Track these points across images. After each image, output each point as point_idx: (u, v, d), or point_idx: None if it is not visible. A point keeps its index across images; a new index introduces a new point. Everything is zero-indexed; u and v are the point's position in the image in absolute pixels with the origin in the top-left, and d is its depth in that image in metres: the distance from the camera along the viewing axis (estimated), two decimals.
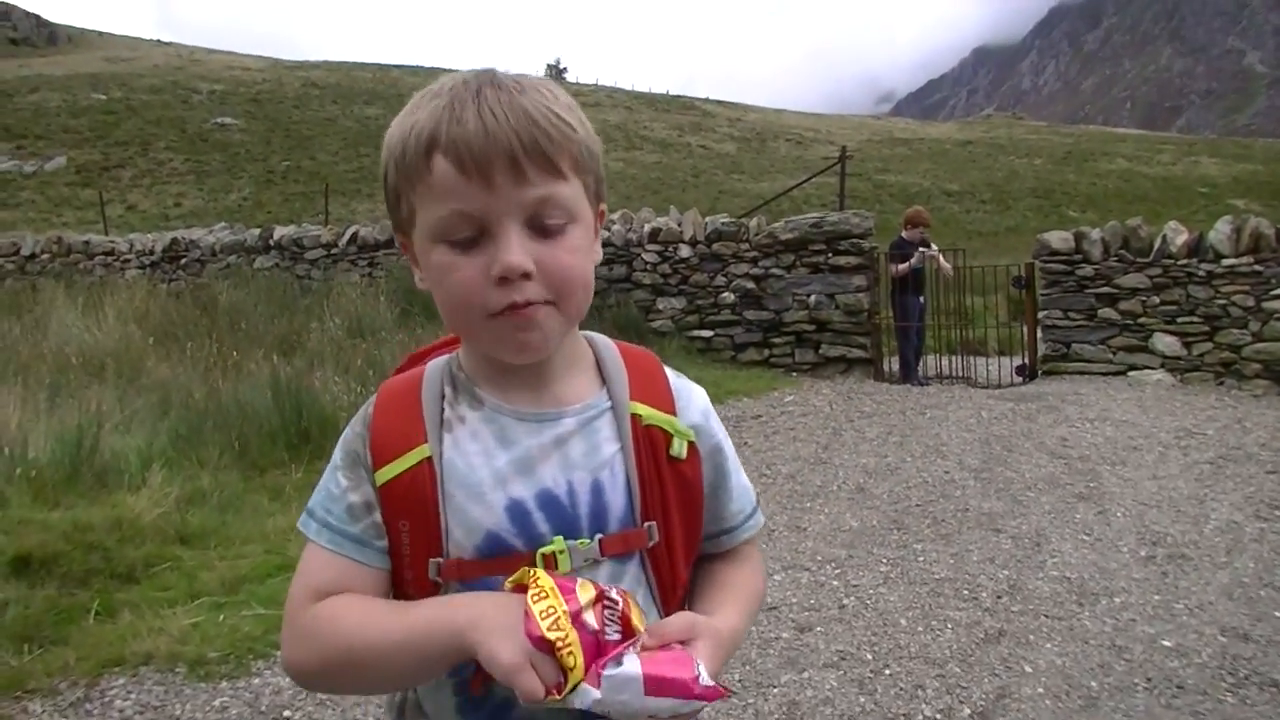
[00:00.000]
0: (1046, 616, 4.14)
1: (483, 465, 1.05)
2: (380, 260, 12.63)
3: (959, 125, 74.55)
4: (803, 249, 10.34)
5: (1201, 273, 9.66)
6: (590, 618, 0.92)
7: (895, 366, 10.43)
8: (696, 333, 10.68)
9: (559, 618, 0.91)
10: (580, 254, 1.03)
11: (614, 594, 0.95)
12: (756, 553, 1.26)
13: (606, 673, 0.91)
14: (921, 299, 10.44)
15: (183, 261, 13.86)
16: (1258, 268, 9.44)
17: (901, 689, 3.47)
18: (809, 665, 3.65)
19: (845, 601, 4.29)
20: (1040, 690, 3.49)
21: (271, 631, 3.86)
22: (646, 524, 1.08)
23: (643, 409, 1.11)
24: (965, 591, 4.40)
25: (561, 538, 1.03)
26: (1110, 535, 5.22)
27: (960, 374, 10.25)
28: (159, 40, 61.01)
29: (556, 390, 1.09)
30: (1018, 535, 5.18)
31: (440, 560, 1.03)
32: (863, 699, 3.39)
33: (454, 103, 0.99)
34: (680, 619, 1.01)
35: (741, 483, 1.22)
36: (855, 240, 10.24)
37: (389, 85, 53.14)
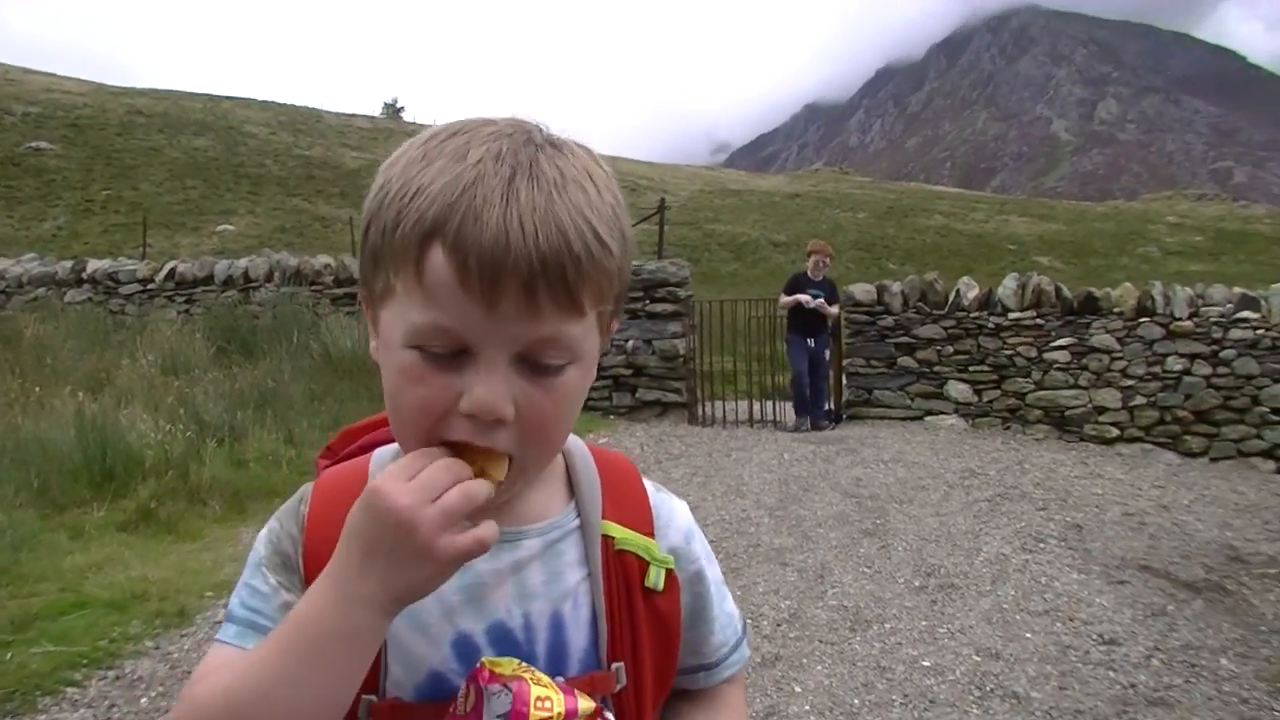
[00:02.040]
0: (821, 642, 4.47)
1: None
2: (198, 297, 12.38)
3: (789, 178, 76.98)
4: None
5: (991, 325, 10.42)
6: None
7: (716, 411, 10.80)
8: None
9: (551, 716, 0.79)
10: (570, 402, 0.85)
11: (610, 717, 0.85)
12: (735, 693, 1.10)
13: None
14: (812, 342, 10.49)
15: None
16: (1040, 321, 10.26)
17: None
18: None
19: None
20: (807, 708, 3.79)
21: (62, 668, 3.84)
22: (614, 665, 0.93)
23: (616, 530, 0.96)
24: (749, 620, 4.70)
25: (517, 661, 0.87)
26: (889, 567, 5.63)
27: (772, 418, 10.70)
28: None
29: (519, 505, 0.92)
30: (803, 568, 5.54)
31: (373, 698, 0.87)
32: None
33: (478, 187, 0.78)
34: None
35: (726, 611, 1.07)
36: (672, 289, 10.63)
37: (220, 116, 51.67)
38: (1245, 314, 9.74)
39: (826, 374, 10.83)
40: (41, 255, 15.33)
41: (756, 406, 10.85)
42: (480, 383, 0.78)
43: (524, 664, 0.84)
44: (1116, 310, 10.09)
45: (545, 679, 0.82)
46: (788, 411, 10.63)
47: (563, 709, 0.80)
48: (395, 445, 0.95)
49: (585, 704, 0.82)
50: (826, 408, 10.81)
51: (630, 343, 10.61)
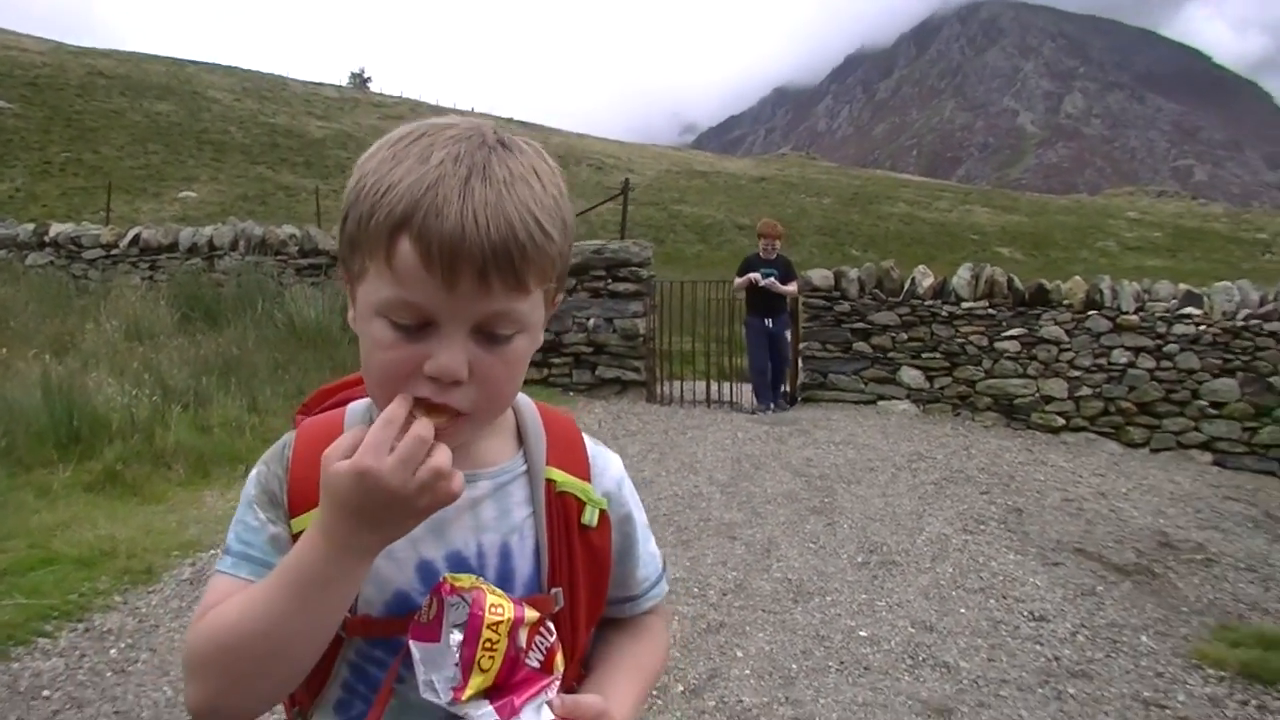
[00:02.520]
0: (764, 611, 4.68)
1: None
2: (162, 264, 12.38)
3: (755, 161, 77.25)
4: (584, 274, 10.81)
5: (944, 313, 10.65)
6: (522, 635, 0.95)
7: (675, 390, 10.98)
8: None
9: (503, 621, 0.93)
10: (518, 365, 1.01)
11: (551, 628, 1.00)
12: (660, 623, 1.28)
13: (523, 715, 0.94)
14: (769, 322, 10.47)
15: None
16: (991, 311, 10.51)
17: None
18: None
19: None
20: (747, 672, 3.99)
21: (33, 619, 3.97)
22: (553, 590, 1.08)
23: (558, 475, 1.12)
24: (695, 590, 4.91)
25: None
26: (834, 544, 5.85)
27: (729, 399, 10.89)
28: None
29: (474, 452, 1.08)
30: (751, 542, 5.75)
31: (347, 615, 1.00)
32: None
33: (439, 186, 0.93)
34: (594, 703, 1.02)
35: (650, 551, 1.24)
36: (634, 269, 10.78)
37: (184, 81, 51.06)
38: (1189, 310, 10.04)
39: (786, 354, 10.87)
40: (4, 219, 15.23)
41: (714, 387, 11.03)
42: (443, 350, 0.94)
43: (481, 579, 0.98)
44: (1066, 303, 10.36)
45: (499, 591, 0.97)
46: (745, 393, 10.82)
47: (512, 615, 0.94)
48: (367, 400, 1.10)
49: (531, 614, 0.97)
50: (784, 389, 10.87)
51: (592, 321, 10.76)
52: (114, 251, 12.69)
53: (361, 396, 1.14)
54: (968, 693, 3.96)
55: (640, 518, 1.23)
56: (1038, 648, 4.52)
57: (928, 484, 7.52)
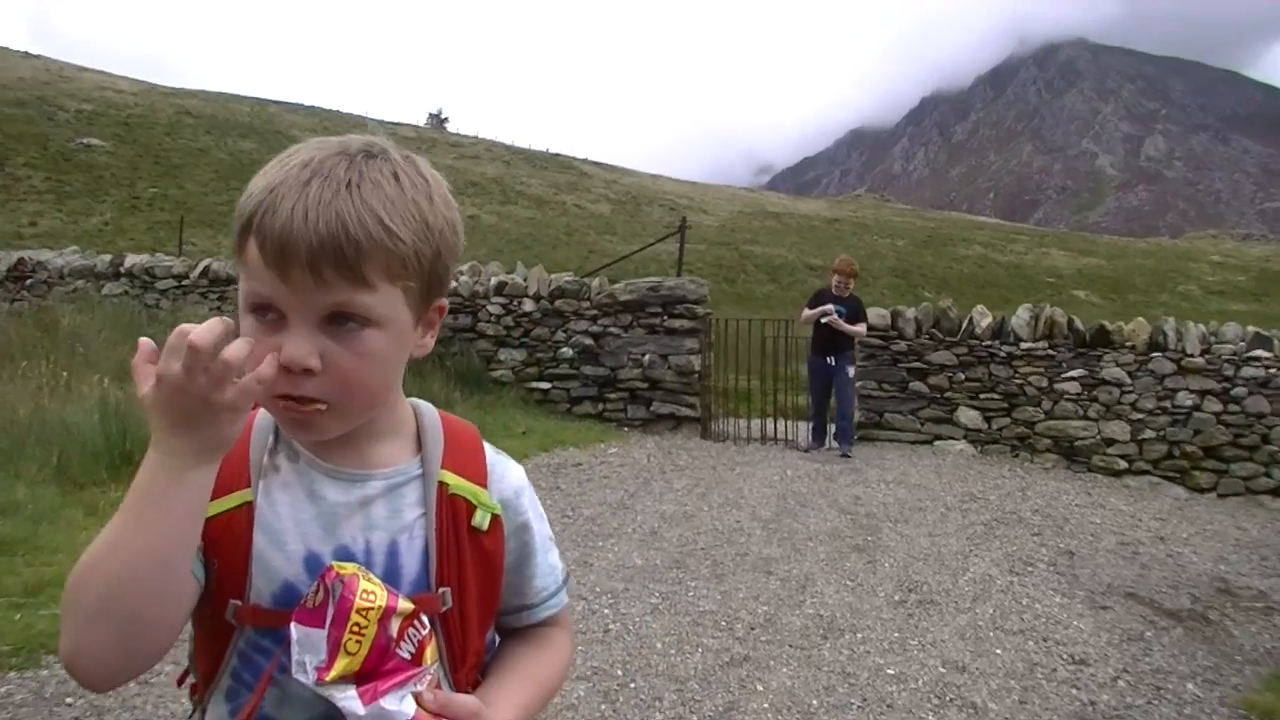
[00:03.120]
0: (791, 646, 4.61)
1: (289, 516, 1.07)
2: (230, 295, 12.67)
3: (829, 203, 77.06)
4: (640, 310, 10.84)
5: (1003, 353, 10.50)
6: (394, 625, 0.97)
7: (733, 427, 10.91)
8: (535, 384, 11.04)
9: (373, 608, 0.96)
10: (373, 359, 1.03)
11: (425, 621, 1.01)
12: (561, 635, 1.29)
13: (384, 701, 0.95)
14: (831, 360, 9.99)
15: (28, 282, 13.65)
16: (1051, 352, 10.34)
17: (642, 700, 3.89)
18: None
19: (611, 627, 4.70)
20: (766, 705, 3.93)
21: None
22: (441, 590, 1.10)
23: (451, 478, 1.15)
24: (723, 623, 4.86)
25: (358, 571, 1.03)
26: (872, 582, 5.76)
27: (785, 437, 10.80)
28: (26, 53, 58.95)
29: (371, 453, 1.12)
30: (787, 578, 5.68)
31: (238, 603, 1.04)
32: (604, 707, 3.79)
33: (281, 187, 1.00)
34: (467, 703, 1.04)
35: (549, 561, 1.26)
36: (689, 305, 10.78)
37: (265, 120, 52.53)
38: (1258, 352, 9.79)
39: (847, 395, 10.16)
40: (83, 249, 15.73)
41: (770, 424, 10.95)
42: (289, 340, 0.98)
43: (364, 569, 1.01)
44: (1129, 344, 10.16)
45: (377, 580, 1.00)
46: (799, 430, 10.73)
47: (384, 604, 0.96)
48: None
49: (405, 605, 0.98)
50: (847, 434, 10.11)
51: (647, 357, 10.76)
52: (185, 282, 13.04)
53: None
54: None
55: (542, 529, 1.25)
56: (1074, 691, 4.40)
57: (978, 524, 7.37)
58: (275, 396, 1.00)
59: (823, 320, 9.95)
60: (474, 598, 1.14)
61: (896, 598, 5.51)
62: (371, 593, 0.97)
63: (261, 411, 1.14)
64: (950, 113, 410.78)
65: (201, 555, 1.03)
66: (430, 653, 1.01)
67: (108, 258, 14.01)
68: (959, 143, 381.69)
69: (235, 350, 0.90)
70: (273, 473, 1.10)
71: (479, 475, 1.18)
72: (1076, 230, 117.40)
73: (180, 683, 1.15)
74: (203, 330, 0.89)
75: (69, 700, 3.56)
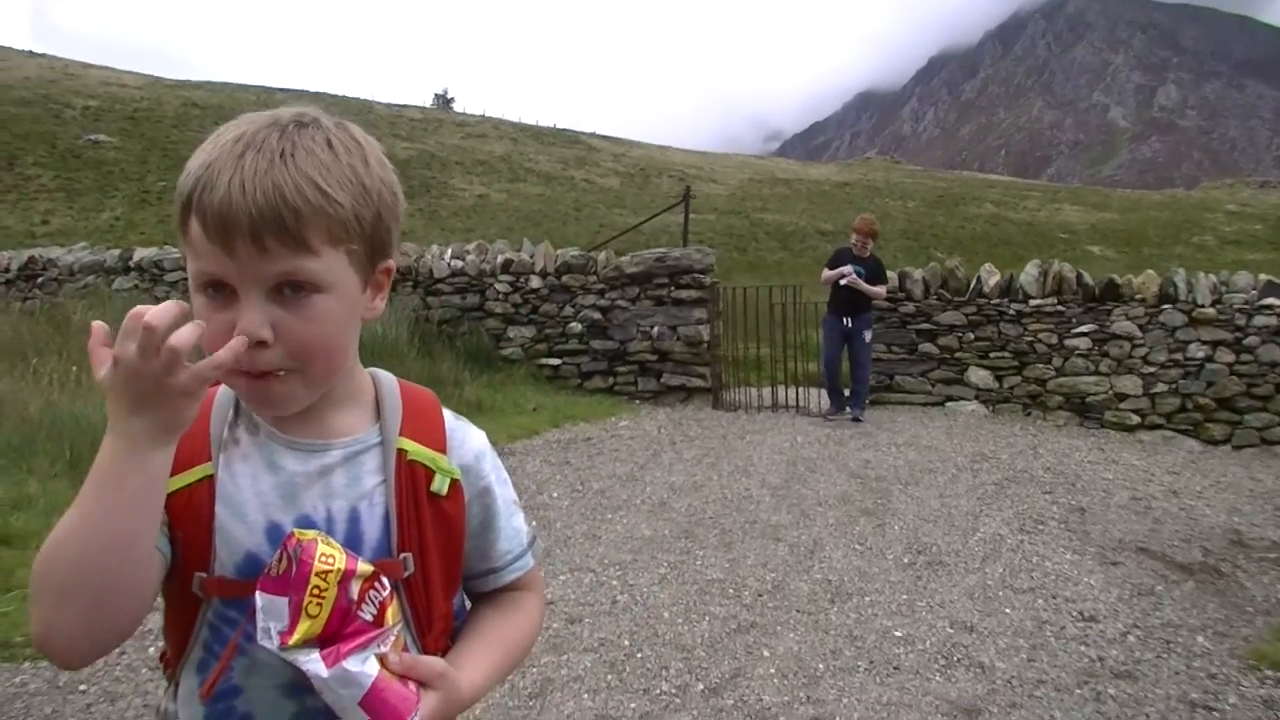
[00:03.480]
0: (798, 612, 4.63)
1: (249, 488, 1.09)
2: None
3: (839, 167, 76.63)
4: (647, 282, 10.83)
5: (1012, 312, 10.45)
6: (355, 587, 0.99)
7: (744, 396, 10.90)
8: (545, 361, 11.06)
9: (332, 571, 0.97)
10: (326, 323, 1.05)
11: (385, 583, 1.02)
12: (531, 598, 1.32)
13: (347, 663, 0.97)
14: (848, 321, 9.78)
15: (39, 280, 13.71)
16: (1060, 308, 10.28)
17: (648, 669, 3.92)
18: (570, 650, 4.08)
19: (619, 598, 4.73)
20: (772, 671, 3.95)
21: None
22: (402, 555, 1.11)
23: (410, 445, 1.16)
24: (731, 591, 4.88)
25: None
26: (881, 545, 5.76)
27: (796, 404, 10.79)
28: (31, 51, 59.05)
29: (330, 422, 1.14)
30: (795, 544, 5.69)
31: (204, 575, 1.06)
32: (610, 677, 3.83)
33: (216, 163, 1.01)
34: (433, 664, 1.07)
35: (513, 525, 1.28)
36: (696, 275, 10.76)
37: (273, 108, 52.39)
38: (1270, 300, 9.70)
39: (863, 358, 9.96)
40: (92, 245, 15.79)
41: (780, 392, 10.94)
42: (241, 314, 1.00)
43: (324, 534, 1.03)
44: (1138, 297, 10.09)
45: (336, 544, 1.01)
46: (812, 397, 10.72)
47: (343, 566, 0.98)
48: None
49: (365, 567, 1.01)
50: (862, 398, 9.99)
51: (656, 329, 10.76)
52: None
53: None
54: (1000, 693, 3.86)
55: (504, 493, 1.27)
56: (1082, 648, 4.40)
57: (988, 484, 7.37)
58: (234, 373, 1.01)
59: (842, 281, 9.70)
60: (436, 562, 1.15)
61: (905, 560, 5.52)
62: (330, 556, 0.98)
63: (222, 386, 1.15)
64: (959, 71, 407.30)
65: (167, 530, 1.05)
66: (392, 613, 1.03)
67: (117, 252, 14.05)
68: (968, 101, 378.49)
69: (183, 335, 0.91)
70: (233, 445, 1.11)
71: (438, 441, 1.19)
72: (1090, 185, 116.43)
73: (162, 659, 1.17)
74: (157, 311, 0.91)
75: (82, 688, 3.61)
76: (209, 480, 1.08)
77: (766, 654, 4.10)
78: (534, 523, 5.13)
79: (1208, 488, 7.87)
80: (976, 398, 10.51)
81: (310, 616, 0.96)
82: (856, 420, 9.69)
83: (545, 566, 5.15)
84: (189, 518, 1.06)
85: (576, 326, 10.98)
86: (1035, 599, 5.01)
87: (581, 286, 11.04)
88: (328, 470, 1.12)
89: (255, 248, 0.99)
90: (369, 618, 1.00)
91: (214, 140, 1.05)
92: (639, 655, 4.04)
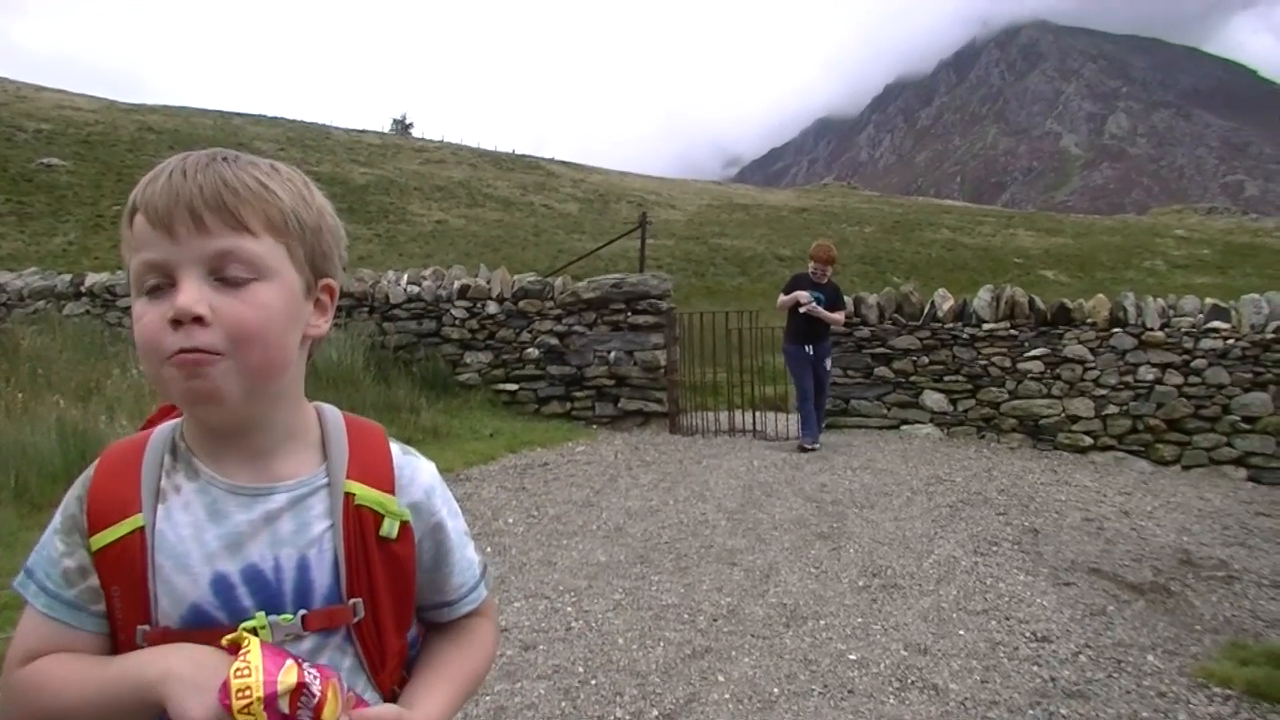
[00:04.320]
0: (753, 636, 4.63)
1: (191, 538, 1.07)
2: None
3: (797, 193, 77.14)
4: (604, 308, 10.84)
5: (965, 335, 10.56)
6: (284, 704, 0.96)
7: (701, 420, 10.90)
8: (502, 386, 11.02)
9: (251, 702, 0.95)
10: (265, 310, 1.05)
11: (316, 686, 0.99)
12: (484, 625, 1.32)
13: None
14: (810, 349, 9.58)
15: None
16: (1014, 332, 10.41)
17: (603, 696, 3.89)
18: (524, 677, 4.05)
19: (573, 625, 4.70)
20: (727, 696, 3.94)
21: None
22: (352, 600, 1.11)
23: (357, 488, 1.14)
24: (686, 616, 4.87)
25: (263, 613, 1.06)
26: (836, 568, 5.78)
27: (753, 428, 10.81)
28: None
29: (273, 465, 1.12)
30: (751, 568, 5.69)
31: (147, 628, 1.05)
32: (564, 704, 3.80)
33: (160, 170, 1.07)
34: (385, 714, 1.07)
35: (466, 557, 1.27)
36: (653, 300, 10.79)
37: (230, 133, 52.01)
38: (1216, 324, 9.88)
39: (825, 386, 9.92)
40: (43, 270, 15.58)
41: (738, 416, 10.97)
42: (179, 294, 1.02)
43: (246, 634, 1.02)
44: (1089, 321, 10.23)
45: (254, 657, 0.99)
46: (769, 421, 10.75)
47: (261, 693, 0.96)
48: (174, 422, 1.17)
49: (286, 681, 0.98)
50: (822, 425, 9.95)
51: (613, 354, 10.77)
52: None
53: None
54: (953, 715, 3.87)
55: (456, 526, 1.26)
56: (1035, 669, 4.42)
57: (943, 507, 7.42)
58: (169, 358, 1.02)
59: (801, 309, 9.52)
60: (387, 604, 1.15)
61: (860, 583, 5.53)
62: (245, 689, 0.96)
63: (155, 434, 1.15)
64: (915, 98, 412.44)
65: (98, 595, 1.08)
66: (330, 710, 1.01)
67: (68, 277, 13.86)
68: (924, 128, 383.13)
69: None
70: (173, 494, 1.09)
71: (385, 481, 1.18)
72: (1044, 210, 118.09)
73: None
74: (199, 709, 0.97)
75: None
76: (140, 532, 1.07)
77: (721, 679, 4.09)
78: (487, 549, 5.10)
79: (1158, 508, 7.97)
80: (931, 421, 10.59)
81: None
82: (805, 449, 9.44)
83: (500, 593, 5.12)
84: (122, 571, 1.06)
85: (534, 352, 10.96)
86: (989, 620, 5.04)
87: (539, 312, 11.03)
88: (273, 517, 1.10)
89: (194, 223, 1.02)
90: None
91: (154, 168, 1.09)
92: (593, 682, 4.02)
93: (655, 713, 3.75)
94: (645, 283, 10.84)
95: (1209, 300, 10.29)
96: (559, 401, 10.94)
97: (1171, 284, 33.54)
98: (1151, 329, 9.99)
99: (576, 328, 10.91)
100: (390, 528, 1.15)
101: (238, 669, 0.97)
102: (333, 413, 1.22)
